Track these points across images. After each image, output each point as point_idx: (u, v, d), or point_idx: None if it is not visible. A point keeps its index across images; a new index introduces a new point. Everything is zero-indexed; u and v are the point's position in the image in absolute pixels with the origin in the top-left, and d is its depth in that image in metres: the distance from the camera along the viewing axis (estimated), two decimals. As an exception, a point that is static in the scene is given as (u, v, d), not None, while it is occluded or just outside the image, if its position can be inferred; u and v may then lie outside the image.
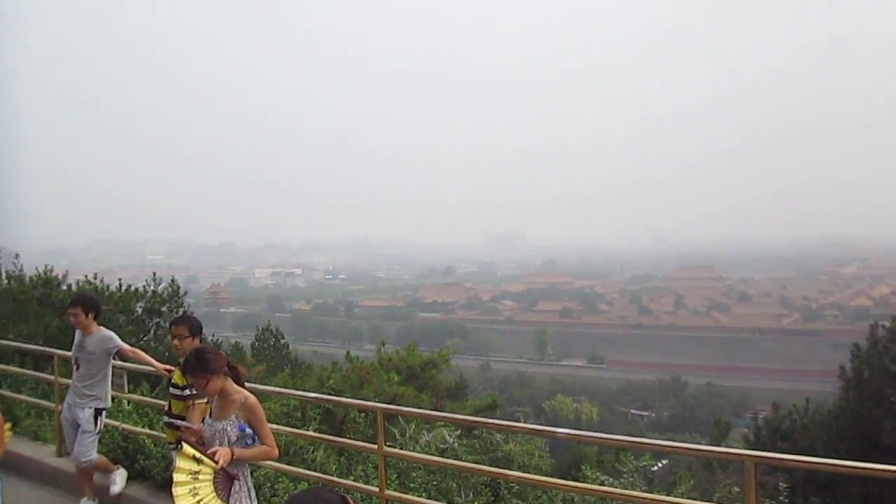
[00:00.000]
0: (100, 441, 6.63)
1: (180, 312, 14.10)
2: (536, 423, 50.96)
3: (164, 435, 6.14)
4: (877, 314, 63.07)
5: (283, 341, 26.77)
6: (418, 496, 6.31)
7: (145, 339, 14.39)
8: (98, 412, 6.42)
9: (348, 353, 15.41)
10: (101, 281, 15.11)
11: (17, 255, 15.21)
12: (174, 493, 3.74)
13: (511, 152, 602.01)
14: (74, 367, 6.47)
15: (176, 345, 5.37)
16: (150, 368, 6.54)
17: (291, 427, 8.00)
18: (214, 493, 3.86)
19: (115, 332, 6.58)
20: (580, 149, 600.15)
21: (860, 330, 13.77)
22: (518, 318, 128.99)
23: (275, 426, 5.42)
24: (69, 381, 6.67)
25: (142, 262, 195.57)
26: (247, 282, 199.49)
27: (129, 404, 8.36)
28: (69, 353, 6.66)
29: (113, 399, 6.86)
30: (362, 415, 9.90)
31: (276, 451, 4.19)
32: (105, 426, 6.70)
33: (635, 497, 5.02)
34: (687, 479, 11.61)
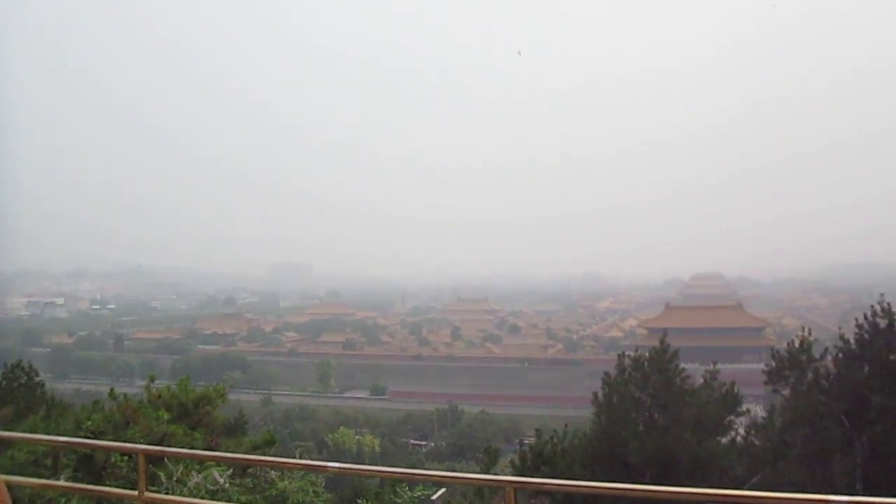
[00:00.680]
0: None
1: None
2: (319, 457, 50.13)
3: None
4: (626, 344, 69.80)
5: (37, 379, 24.12)
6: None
7: None
8: None
9: (112, 390, 14.22)
10: None
11: None
12: None
13: (293, 186, 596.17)
14: None
15: None
16: None
17: (40, 477, 7.25)
18: None
19: None
20: (363, 186, 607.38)
21: (612, 360, 15.19)
22: (301, 349, 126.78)
23: (16, 478, 4.90)
24: None
25: None
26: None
27: None
28: None
29: None
30: (126, 458, 9.19)
31: None
32: None
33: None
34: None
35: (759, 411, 17.23)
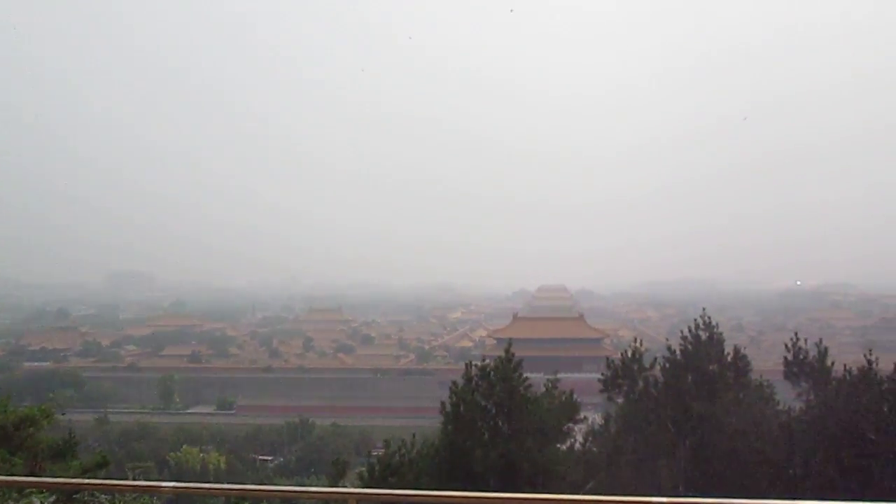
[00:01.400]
0: None
1: None
2: (158, 478, 47.66)
3: None
4: (476, 354, 71.54)
5: None
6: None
7: None
8: None
9: None
10: None
11: None
12: None
13: (129, 185, 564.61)
14: None
15: None
16: None
17: None
18: None
19: None
20: (207, 188, 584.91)
21: (462, 369, 15.57)
22: (142, 364, 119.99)
23: None
24: None
25: None
26: None
27: None
28: None
29: None
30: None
31: None
32: None
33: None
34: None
35: (597, 418, 18.23)
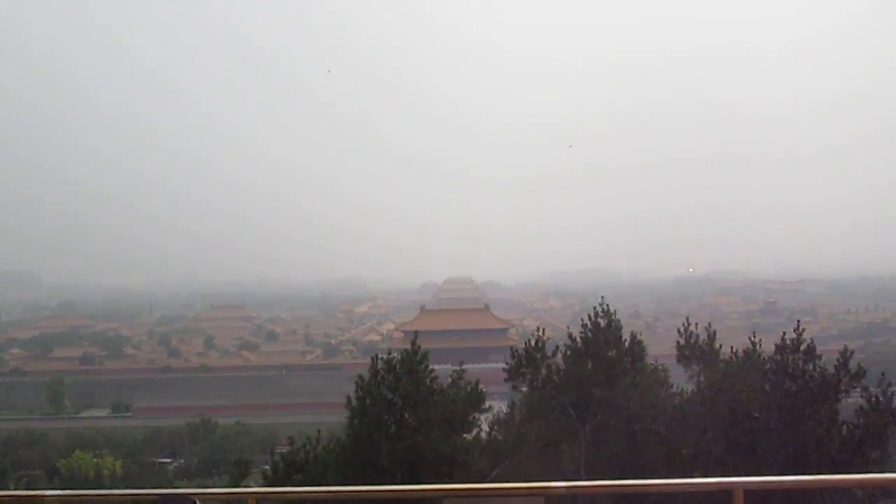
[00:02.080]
0: None
1: None
2: (47, 486, 45.39)
3: None
4: (383, 348, 71.43)
5: None
6: None
7: None
8: None
9: None
10: None
11: None
12: None
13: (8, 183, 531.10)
14: None
15: None
16: None
17: None
18: None
19: None
20: (96, 183, 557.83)
21: (369, 363, 15.55)
22: (28, 367, 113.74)
23: None
24: None
25: None
26: None
27: None
28: None
29: None
30: None
31: None
32: None
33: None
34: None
35: (503, 407, 18.59)
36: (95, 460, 60.49)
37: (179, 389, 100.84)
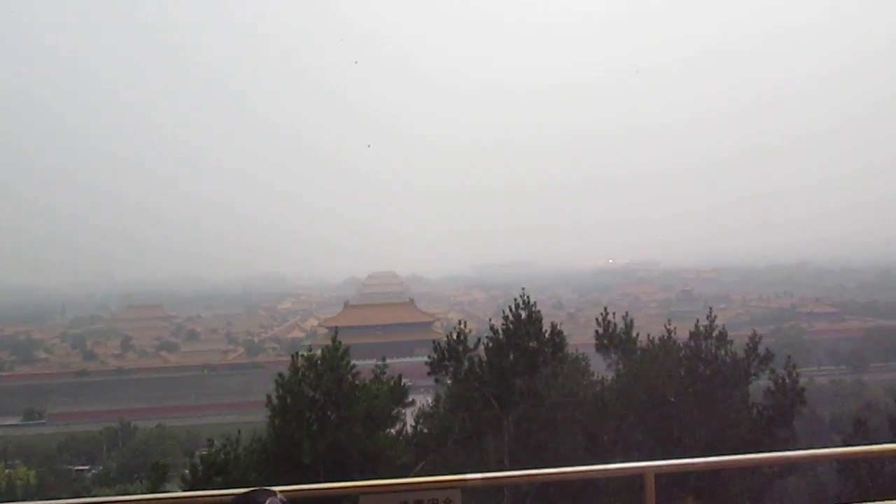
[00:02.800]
0: None
1: None
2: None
3: None
4: (308, 345, 70.58)
5: None
6: None
7: None
8: None
9: None
10: None
11: None
12: None
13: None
14: None
15: None
16: None
17: None
18: None
19: None
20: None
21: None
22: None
23: None
24: None
25: None
26: None
27: None
28: None
29: None
30: None
31: None
32: None
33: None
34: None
35: (428, 400, 18.64)
36: (7, 471, 57.84)
37: (96, 393, 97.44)
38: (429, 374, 16.01)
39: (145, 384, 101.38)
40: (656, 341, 16.72)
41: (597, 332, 17.20)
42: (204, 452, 13.58)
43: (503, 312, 16.90)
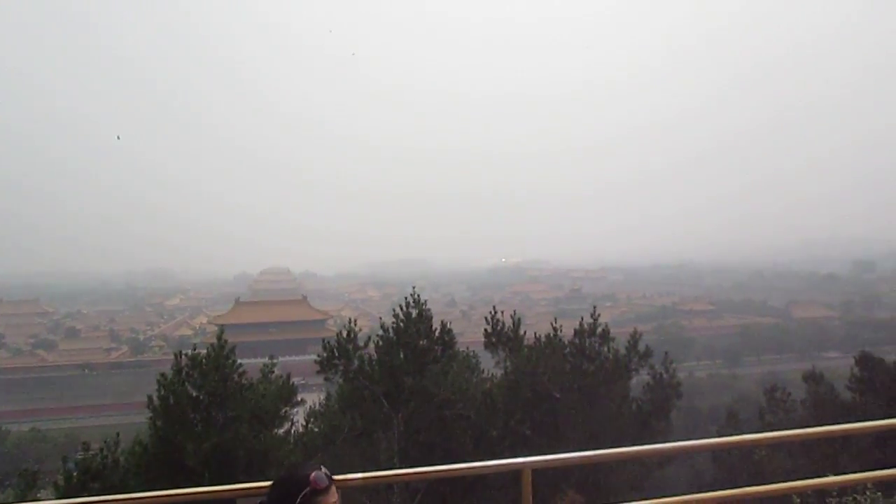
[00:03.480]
0: None
1: None
2: None
3: None
4: (196, 343, 68.29)
5: None
6: None
7: None
8: None
9: None
10: None
11: None
12: None
13: None
14: None
15: None
16: None
17: None
18: None
19: None
20: None
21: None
22: None
23: None
24: None
25: None
26: None
27: None
28: None
29: None
30: None
31: None
32: None
33: None
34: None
35: (321, 399, 18.47)
36: None
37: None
38: (318, 372, 15.86)
39: (19, 384, 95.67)
40: (543, 339, 17.18)
41: (486, 330, 17.50)
42: (80, 457, 12.94)
43: (393, 310, 16.95)
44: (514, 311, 18.10)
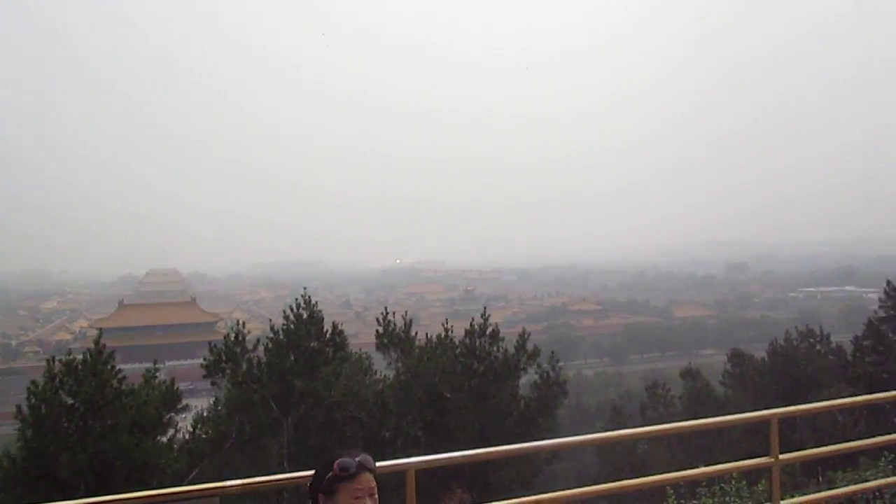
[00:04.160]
0: None
1: None
2: None
3: None
4: (76, 348, 64.93)
5: None
6: None
7: None
8: None
9: None
10: None
11: None
12: None
13: None
14: None
15: None
16: None
17: None
18: None
19: None
20: None
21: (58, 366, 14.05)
22: None
23: None
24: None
25: None
26: None
27: None
28: None
29: None
30: None
31: None
32: None
33: None
34: None
35: (210, 404, 17.91)
36: None
37: None
38: (204, 376, 15.41)
39: None
40: (435, 340, 17.33)
41: (377, 331, 17.50)
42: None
43: (283, 312, 16.69)
44: (406, 312, 18.19)
